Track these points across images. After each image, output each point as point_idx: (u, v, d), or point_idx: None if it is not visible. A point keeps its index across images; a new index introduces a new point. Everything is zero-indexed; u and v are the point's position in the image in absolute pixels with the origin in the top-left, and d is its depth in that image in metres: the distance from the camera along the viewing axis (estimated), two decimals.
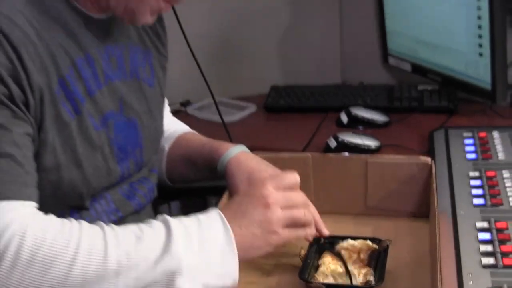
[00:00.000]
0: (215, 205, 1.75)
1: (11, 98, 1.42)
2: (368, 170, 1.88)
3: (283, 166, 1.80)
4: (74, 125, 1.56)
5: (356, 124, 2.52)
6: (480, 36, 2.37)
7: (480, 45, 2.38)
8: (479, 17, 2.34)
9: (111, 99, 1.67)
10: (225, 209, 1.54)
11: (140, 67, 1.78)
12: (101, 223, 1.44)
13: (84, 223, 1.41)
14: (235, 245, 1.47)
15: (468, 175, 1.90)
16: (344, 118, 2.55)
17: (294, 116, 2.72)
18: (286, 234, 1.57)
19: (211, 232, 1.47)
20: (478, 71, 2.43)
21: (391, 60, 2.84)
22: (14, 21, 1.45)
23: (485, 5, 2.29)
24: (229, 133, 2.14)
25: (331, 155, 2.00)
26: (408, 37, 2.71)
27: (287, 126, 2.66)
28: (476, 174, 1.89)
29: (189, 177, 2.00)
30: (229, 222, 1.49)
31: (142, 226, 1.44)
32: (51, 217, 1.41)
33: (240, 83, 3.00)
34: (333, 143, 2.27)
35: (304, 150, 2.35)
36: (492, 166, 1.93)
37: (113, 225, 1.44)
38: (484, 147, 2.05)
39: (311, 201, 1.68)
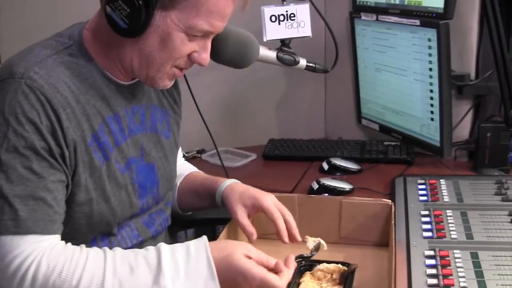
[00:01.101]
0: (221, 232, 1.76)
1: (50, 152, 1.45)
2: (342, 208, 1.87)
3: None
4: (104, 169, 1.58)
5: (334, 171, 2.52)
6: (431, 105, 2.38)
7: (432, 112, 2.39)
8: (431, 91, 2.36)
9: (134, 148, 1.68)
10: (214, 249, 1.49)
11: (159, 122, 1.78)
12: (107, 250, 1.46)
13: (91, 253, 1.44)
14: (216, 276, 1.44)
15: (420, 213, 1.91)
16: (325, 166, 2.54)
17: (286, 163, 2.70)
18: None
19: (196, 268, 1.44)
20: (430, 132, 2.43)
21: (364, 121, 2.84)
22: (57, 88, 1.48)
23: (435, 81, 2.32)
24: (227, 173, 2.15)
25: (313, 196, 2.00)
26: (377, 104, 2.71)
27: (280, 171, 2.64)
28: (426, 212, 1.91)
29: (194, 206, 2.00)
30: (214, 261, 1.46)
31: (139, 257, 1.44)
32: (66, 248, 1.44)
33: (244, 136, 2.98)
34: (315, 186, 2.29)
35: (292, 190, 2.35)
36: (439, 207, 1.95)
37: (116, 253, 1.45)
38: (433, 191, 2.07)
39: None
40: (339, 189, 2.27)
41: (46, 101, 1.45)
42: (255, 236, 1.76)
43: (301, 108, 3.05)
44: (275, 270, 1.52)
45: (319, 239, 1.73)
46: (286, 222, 1.77)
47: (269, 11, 1.72)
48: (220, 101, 2.94)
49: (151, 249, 1.47)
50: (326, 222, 1.90)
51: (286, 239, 1.75)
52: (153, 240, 1.77)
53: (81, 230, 1.55)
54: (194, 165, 2.15)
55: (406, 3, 2.46)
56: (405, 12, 2.44)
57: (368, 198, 1.90)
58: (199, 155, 2.82)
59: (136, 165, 1.67)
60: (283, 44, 1.74)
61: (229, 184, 1.86)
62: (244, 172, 2.61)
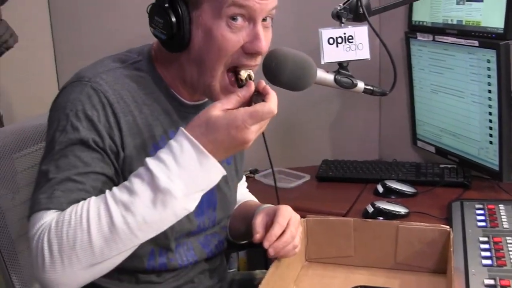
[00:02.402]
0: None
1: (102, 146, 1.49)
2: (398, 233, 1.83)
3: (330, 228, 1.83)
4: None
5: (389, 194, 2.48)
6: (490, 128, 2.34)
7: (491, 135, 2.35)
8: (490, 113, 2.32)
9: None
10: (192, 129, 1.42)
11: None
12: (107, 191, 1.42)
13: (92, 198, 1.41)
14: (205, 151, 1.39)
15: (478, 240, 1.87)
16: (380, 188, 2.52)
17: (340, 185, 2.68)
18: (254, 128, 1.44)
19: (183, 154, 1.39)
20: (489, 155, 2.39)
21: (419, 143, 2.81)
22: (121, 94, 1.54)
23: (495, 104, 2.28)
24: (278, 196, 2.11)
25: (369, 220, 1.97)
26: (433, 126, 2.68)
27: (334, 193, 2.62)
28: (485, 239, 1.87)
29: (239, 232, 1.93)
30: (197, 138, 1.40)
31: (132, 178, 1.40)
32: (74, 205, 1.41)
33: (298, 157, 2.98)
34: (370, 209, 2.27)
35: (346, 213, 2.33)
36: (498, 233, 1.90)
37: (114, 188, 1.42)
38: (492, 217, 2.02)
39: (351, 256, 1.67)
40: (394, 212, 2.24)
41: (108, 104, 1.51)
42: (258, 235, 1.67)
43: (355, 129, 3.03)
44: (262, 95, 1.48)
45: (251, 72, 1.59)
46: (282, 233, 1.67)
47: (327, 33, 1.70)
48: (273, 121, 2.89)
49: (140, 169, 1.42)
50: (382, 247, 1.86)
51: (267, 243, 1.64)
52: (208, 261, 1.79)
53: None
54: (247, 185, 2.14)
55: (464, 23, 2.43)
56: (463, 32, 2.41)
57: (425, 224, 1.86)
58: (252, 175, 2.81)
59: None
60: (341, 67, 1.72)
61: (267, 205, 1.82)
62: (297, 194, 2.59)
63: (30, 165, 1.88)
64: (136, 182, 1.38)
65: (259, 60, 1.59)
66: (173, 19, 1.50)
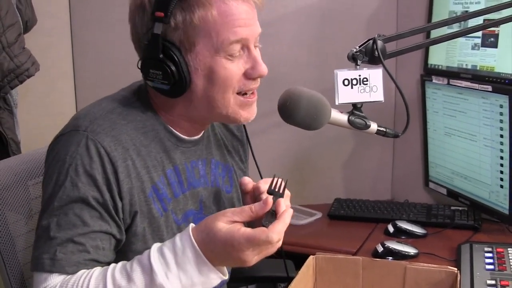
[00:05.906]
0: None
1: (102, 203, 1.51)
2: (406, 273, 1.84)
3: (338, 265, 1.83)
4: (163, 220, 1.62)
5: (400, 234, 2.51)
6: (501, 172, 2.37)
7: (502, 179, 2.38)
8: (501, 157, 2.35)
9: (193, 201, 1.71)
10: (197, 233, 1.46)
11: (220, 177, 1.80)
12: (113, 265, 1.49)
13: (96, 271, 1.47)
14: (205, 258, 1.42)
15: (486, 282, 1.89)
16: (390, 228, 2.54)
17: (351, 223, 2.71)
18: (251, 252, 1.43)
19: (184, 256, 1.43)
20: (499, 199, 2.41)
21: (431, 185, 2.84)
22: (119, 140, 1.55)
23: (506, 148, 2.31)
24: None
25: (377, 260, 1.98)
26: (445, 168, 2.71)
27: (345, 231, 2.64)
28: (493, 282, 1.89)
29: None
30: (198, 244, 1.43)
31: (134, 262, 1.46)
32: (78, 273, 1.48)
33: (310, 194, 3.00)
34: (380, 248, 2.30)
35: (356, 252, 2.35)
36: (506, 277, 1.92)
37: (118, 264, 1.49)
38: (501, 261, 2.04)
39: None
40: (403, 253, 2.27)
41: (105, 154, 1.52)
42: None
43: (368, 168, 3.05)
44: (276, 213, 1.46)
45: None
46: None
47: (342, 74, 1.74)
48: (287, 158, 2.96)
49: (146, 252, 1.48)
50: (390, 287, 1.88)
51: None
52: None
53: None
54: None
55: (478, 68, 2.47)
56: (477, 77, 2.45)
57: (433, 265, 1.88)
58: None
59: (194, 217, 1.70)
60: (355, 108, 1.76)
61: None
62: (308, 231, 2.61)
63: None
64: (136, 270, 1.45)
65: (259, 81, 1.63)
66: (173, 68, 1.53)
